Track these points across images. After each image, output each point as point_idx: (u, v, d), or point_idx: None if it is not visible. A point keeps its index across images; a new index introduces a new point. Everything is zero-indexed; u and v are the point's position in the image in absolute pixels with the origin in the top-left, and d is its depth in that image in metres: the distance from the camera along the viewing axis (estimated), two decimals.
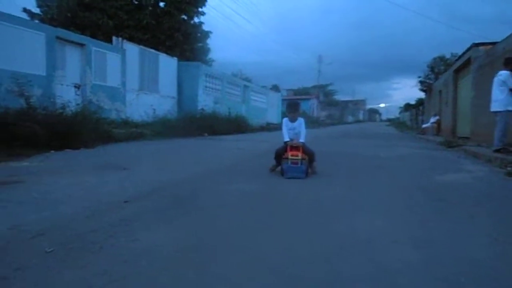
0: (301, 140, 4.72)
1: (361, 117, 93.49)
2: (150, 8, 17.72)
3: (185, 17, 19.54)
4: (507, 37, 10.42)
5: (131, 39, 15.11)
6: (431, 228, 2.53)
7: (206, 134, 13.07)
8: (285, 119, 4.94)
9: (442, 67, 28.40)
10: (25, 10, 17.22)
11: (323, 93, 58.79)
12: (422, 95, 31.92)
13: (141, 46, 14.25)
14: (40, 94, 8.85)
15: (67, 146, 6.79)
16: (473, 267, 1.86)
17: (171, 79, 15.78)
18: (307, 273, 1.76)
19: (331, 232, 2.41)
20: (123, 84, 12.70)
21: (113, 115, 11.95)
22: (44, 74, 9.63)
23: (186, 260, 1.87)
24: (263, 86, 29.42)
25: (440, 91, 21.05)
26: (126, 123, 11.73)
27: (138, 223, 2.48)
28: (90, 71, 11.27)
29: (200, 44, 20.95)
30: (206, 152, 7.76)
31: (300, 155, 4.46)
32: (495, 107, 7.54)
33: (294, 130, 4.84)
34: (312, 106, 45.52)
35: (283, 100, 30.83)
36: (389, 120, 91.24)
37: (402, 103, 62.20)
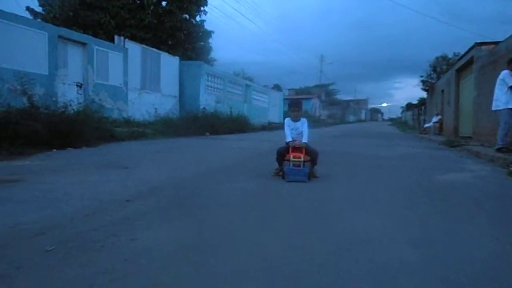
0: (304, 140, 4.43)
1: (363, 116, 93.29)
2: (152, 7, 17.73)
3: (187, 16, 19.55)
4: (510, 37, 10.38)
5: (133, 38, 15.13)
6: (431, 228, 2.52)
7: (207, 134, 13.07)
8: (287, 119, 4.69)
9: (445, 67, 28.34)
10: (28, 8, 17.28)
11: (325, 92, 58.74)
12: (424, 94, 31.86)
13: (143, 45, 14.27)
14: (42, 93, 8.88)
15: (69, 145, 6.81)
16: (473, 267, 1.86)
17: (173, 78, 15.79)
18: (306, 272, 1.76)
19: (331, 232, 2.41)
20: (125, 83, 12.72)
21: (115, 114, 11.98)
22: (47, 73, 9.66)
23: (186, 259, 1.88)
24: (264, 86, 29.41)
25: (442, 91, 20.99)
26: (128, 122, 11.75)
27: (139, 222, 2.48)
28: (92, 70, 11.29)
29: (202, 43, 20.96)
30: (207, 152, 7.76)
31: (302, 157, 4.24)
32: (495, 106, 7.59)
33: (297, 131, 4.59)
34: (314, 105, 45.49)
35: (284, 99, 30.81)
36: (391, 119, 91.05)
37: (404, 103, 62.19)
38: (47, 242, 2.04)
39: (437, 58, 31.45)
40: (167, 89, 15.39)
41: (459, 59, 17.57)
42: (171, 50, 17.15)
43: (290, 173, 4.16)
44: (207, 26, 20.79)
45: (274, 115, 26.83)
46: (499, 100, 7.46)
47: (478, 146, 8.83)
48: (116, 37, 13.10)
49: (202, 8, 19.95)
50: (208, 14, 22.01)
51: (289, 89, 54.51)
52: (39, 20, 15.30)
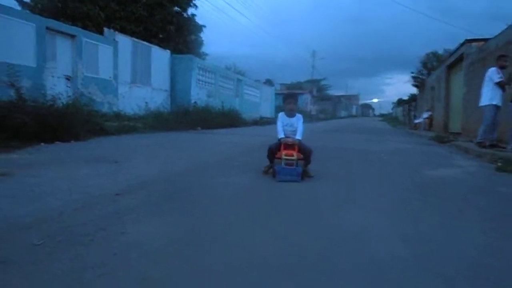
0: (298, 137, 4.12)
1: (354, 112, 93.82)
2: None
3: (178, 9, 19.35)
4: (499, 34, 10.50)
5: (123, 31, 14.93)
6: (421, 223, 2.55)
7: (199, 128, 13.01)
8: (281, 114, 4.33)
9: (435, 63, 28.60)
10: None
11: (317, 88, 58.83)
12: (415, 90, 32.16)
13: (134, 38, 14.09)
14: (30, 85, 8.71)
15: (57, 139, 6.70)
16: (462, 261, 1.88)
17: (163, 72, 15.65)
18: (298, 266, 1.76)
19: (322, 227, 2.42)
20: (115, 76, 12.56)
21: (105, 108, 11.84)
22: (34, 65, 9.49)
23: (177, 254, 1.86)
24: (256, 80, 29.34)
25: (432, 87, 21.19)
26: (118, 116, 11.62)
27: (129, 216, 2.46)
28: (81, 63, 11.12)
29: (193, 37, 20.78)
30: (199, 146, 7.73)
31: (295, 155, 3.95)
32: (481, 102, 7.73)
33: (291, 127, 4.23)
34: (305, 101, 45.54)
35: (276, 94, 30.80)
36: (382, 115, 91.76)
37: (395, 99, 62.57)
38: (35, 236, 2.00)
39: (427, 54, 31.74)
40: (158, 83, 15.25)
41: (449, 56, 17.73)
42: (162, 44, 16.98)
43: (281, 172, 3.85)
44: (198, 19, 20.65)
45: (266, 110, 26.82)
46: (485, 96, 7.63)
47: (467, 142, 8.95)
48: (105, 29, 12.90)
49: (193, 1, 19.77)
50: (199, 8, 21.83)
51: (280, 84, 54.44)
52: (27, 11, 14.99)
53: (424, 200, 3.28)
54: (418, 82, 29.11)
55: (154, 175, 3.99)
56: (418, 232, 2.34)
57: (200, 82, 17.41)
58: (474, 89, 11.11)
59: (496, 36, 10.78)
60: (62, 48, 10.60)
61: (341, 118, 58.94)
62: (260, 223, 2.44)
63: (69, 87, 10.63)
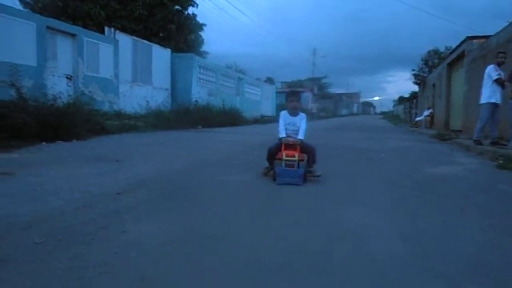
0: (300, 137, 3.90)
1: (355, 110, 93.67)
2: None
3: (179, 8, 19.32)
4: (500, 31, 10.47)
5: (123, 30, 14.92)
6: (421, 220, 2.55)
7: (200, 127, 13.02)
8: (284, 112, 4.09)
9: (436, 61, 28.52)
10: None
11: (318, 86, 58.77)
12: (416, 88, 32.09)
13: (134, 37, 14.09)
14: (31, 85, 8.72)
15: (58, 138, 6.72)
16: (461, 258, 1.88)
17: (164, 71, 15.65)
18: (295, 263, 1.77)
19: (322, 225, 2.42)
20: (116, 75, 12.57)
21: (106, 107, 11.85)
22: (35, 64, 9.50)
23: (176, 252, 1.87)
24: (257, 79, 29.31)
25: (433, 84, 21.15)
26: (119, 115, 11.64)
27: (129, 215, 2.47)
28: (82, 62, 11.13)
29: (193, 36, 20.76)
30: (199, 145, 7.73)
31: (297, 155, 3.71)
32: (481, 100, 7.79)
33: (293, 126, 4.01)
34: (306, 99, 45.49)
35: (277, 92, 30.76)
36: (383, 113, 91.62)
37: (396, 96, 62.63)
38: (36, 235, 2.01)
39: (429, 52, 31.63)
40: (159, 82, 15.25)
41: (450, 53, 17.69)
42: (162, 43, 16.97)
43: (282, 174, 3.60)
44: (199, 18, 20.61)
45: (267, 108, 26.80)
46: (484, 94, 7.65)
47: (468, 140, 8.93)
48: (106, 28, 12.90)
49: (193, 0, 19.73)
50: (199, 6, 21.76)
51: (281, 82, 54.42)
52: (27, 10, 15.00)
53: (424, 197, 3.28)
54: (419, 80, 29.06)
55: (155, 174, 4.00)
56: (418, 229, 2.34)
57: (201, 81, 17.40)
58: (475, 86, 11.09)
59: (497, 33, 10.75)
60: (63, 47, 10.61)
61: (342, 116, 58.88)
62: (259, 222, 2.45)
63: (70, 86, 10.65)
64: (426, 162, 5.78)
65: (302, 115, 4.11)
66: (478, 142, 7.48)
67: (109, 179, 3.64)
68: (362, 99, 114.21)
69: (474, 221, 2.56)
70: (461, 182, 4.08)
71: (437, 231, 2.31)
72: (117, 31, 13.11)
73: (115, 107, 12.33)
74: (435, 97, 20.44)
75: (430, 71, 26.94)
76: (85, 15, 15.79)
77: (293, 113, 4.04)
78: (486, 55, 10.92)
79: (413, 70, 32.19)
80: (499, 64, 7.61)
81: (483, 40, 12.41)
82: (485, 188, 3.82)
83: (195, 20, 20.39)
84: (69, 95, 8.46)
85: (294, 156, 3.68)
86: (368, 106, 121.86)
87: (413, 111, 31.78)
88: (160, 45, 15.97)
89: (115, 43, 12.55)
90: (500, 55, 7.74)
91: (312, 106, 46.78)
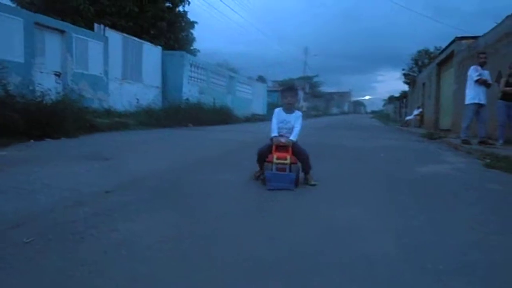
0: (292, 137, 3.59)
1: (346, 109, 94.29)
2: None
3: (170, 5, 19.17)
4: (488, 32, 10.62)
5: (113, 26, 14.73)
6: (410, 218, 2.57)
7: (190, 125, 12.95)
8: (278, 110, 3.81)
9: (426, 60, 28.78)
10: None
11: (309, 84, 58.97)
12: (406, 87, 32.36)
13: (124, 34, 13.94)
14: (18, 81, 8.56)
15: (47, 136, 6.62)
16: (450, 256, 1.91)
17: (155, 69, 15.52)
18: (287, 261, 1.77)
19: (313, 223, 2.43)
20: (106, 72, 12.42)
21: (96, 104, 11.70)
22: (22, 61, 9.32)
23: (167, 251, 1.86)
24: (249, 77, 29.26)
25: (423, 84, 21.38)
26: (109, 112, 11.51)
27: (120, 213, 2.44)
28: (71, 58, 10.97)
29: (184, 34, 20.61)
30: (190, 143, 7.70)
31: (289, 158, 3.43)
32: (465, 100, 7.98)
33: (287, 125, 3.70)
34: (298, 97, 45.61)
35: (268, 91, 30.76)
36: (373, 112, 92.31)
37: (386, 96, 63.10)
38: (24, 234, 1.98)
39: (419, 51, 31.92)
40: (149, 79, 15.12)
41: (440, 53, 17.90)
42: (153, 40, 16.80)
43: (272, 178, 3.36)
44: (190, 16, 20.44)
45: (258, 107, 26.79)
46: (467, 94, 7.83)
47: (457, 139, 9.05)
48: (96, 25, 12.73)
49: None
50: (190, 4, 21.62)
51: (273, 81, 54.42)
52: (15, 5, 14.72)
53: (414, 196, 3.31)
54: (409, 79, 29.30)
55: (145, 172, 3.97)
56: (408, 228, 2.37)
57: (192, 79, 17.31)
58: (464, 86, 11.17)
59: (485, 34, 10.91)
60: (51, 44, 10.44)
61: (333, 115, 59.20)
62: (252, 220, 2.45)
63: (59, 83, 10.49)
64: (416, 161, 5.85)
65: (298, 113, 3.81)
66: (466, 142, 7.60)
67: (99, 177, 3.60)
68: (353, 98, 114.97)
69: (463, 220, 2.60)
70: (450, 181, 4.13)
71: (427, 230, 2.34)
72: (107, 28, 12.94)
73: (105, 105, 12.19)
74: (424, 97, 20.67)
75: (420, 71, 27.21)
76: (74, 11, 15.55)
77: (288, 110, 3.77)
78: (475, 56, 11.08)
79: (403, 69, 32.46)
80: (481, 65, 7.77)
81: (471, 40, 12.59)
82: (473, 187, 3.87)
83: (187, 17, 20.25)
84: (58, 92, 8.36)
85: (285, 159, 3.42)
86: (358, 105, 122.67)
87: (403, 110, 32.10)
88: (151, 42, 15.82)
89: (105, 40, 12.40)
90: (481, 55, 7.93)
91: (302, 104, 46.91)
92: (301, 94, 47.67)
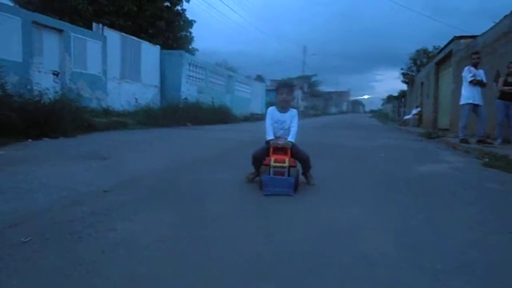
0: (290, 139, 3.33)
1: (344, 108, 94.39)
2: None
3: (168, 4, 19.14)
4: (487, 31, 10.64)
5: (112, 26, 14.70)
6: (409, 217, 2.57)
7: (189, 124, 12.94)
8: (272, 109, 3.50)
9: (425, 60, 28.82)
10: None
11: (308, 84, 58.99)
12: (404, 87, 32.40)
13: (123, 33, 13.91)
14: (16, 81, 8.53)
15: (45, 135, 6.61)
16: (448, 255, 1.90)
17: (153, 68, 15.50)
18: (286, 261, 1.77)
19: (311, 222, 2.43)
20: (104, 72, 12.40)
21: (94, 104, 11.68)
22: (20, 60, 9.30)
23: (165, 250, 1.85)
24: (247, 76, 29.25)
25: (422, 83, 21.40)
26: (107, 112, 11.49)
27: (118, 213, 2.44)
28: (70, 58, 10.95)
29: (183, 33, 20.58)
30: (189, 142, 7.69)
31: (287, 161, 3.18)
32: (460, 100, 8.06)
33: (282, 125, 3.42)
34: (296, 97, 45.62)
35: (267, 90, 30.76)
36: (372, 111, 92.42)
37: (385, 95, 63.14)
38: (22, 233, 1.97)
39: (417, 51, 31.96)
40: (148, 79, 15.10)
41: (438, 52, 17.92)
42: (151, 39, 16.77)
43: (269, 183, 3.10)
44: (189, 15, 20.41)
45: (257, 106, 26.78)
46: (462, 95, 7.90)
47: (455, 138, 9.06)
48: (94, 24, 12.70)
49: None
50: (190, 2, 21.60)
51: (271, 80, 54.39)
52: (13, 4, 14.67)
53: (413, 195, 3.31)
54: (408, 79, 29.34)
55: (143, 171, 3.96)
56: (407, 227, 2.37)
57: (191, 78, 17.29)
58: (462, 85, 11.25)
59: (483, 34, 10.92)
60: (49, 43, 10.41)
61: (332, 114, 59.24)
62: (250, 220, 2.44)
63: (57, 82, 10.47)
64: (414, 160, 5.85)
65: (293, 111, 3.51)
66: (464, 141, 7.62)
67: (97, 176, 3.59)
68: (352, 98, 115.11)
69: (462, 219, 2.60)
70: (449, 180, 4.13)
71: (426, 229, 2.34)
72: (105, 27, 12.92)
73: (103, 104, 12.17)
74: (423, 96, 20.70)
75: (418, 70, 27.24)
76: (72, 10, 15.52)
77: (283, 108, 3.46)
78: (468, 56, 11.11)
79: (402, 69, 32.48)
80: (474, 65, 7.81)
81: (470, 40, 12.60)
82: (472, 186, 3.88)
83: (185, 16, 20.22)
84: (56, 92, 8.33)
85: (284, 162, 3.17)
86: (357, 104, 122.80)
87: (402, 109, 32.14)
88: (149, 41, 15.80)
89: (103, 39, 12.37)
90: (473, 56, 8.01)
91: (300, 104, 46.93)
92: (299, 93, 47.69)
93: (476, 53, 8.24)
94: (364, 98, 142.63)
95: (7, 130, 5.97)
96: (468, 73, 7.75)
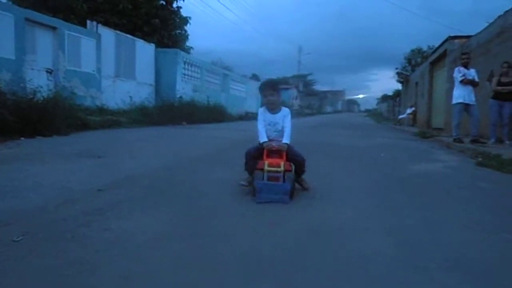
0: (285, 140, 3.09)
1: (339, 107, 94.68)
2: None
3: (163, 3, 19.05)
4: (481, 31, 10.71)
5: (106, 23, 14.61)
6: (403, 216, 2.58)
7: (184, 123, 12.90)
8: (262, 110, 3.26)
9: (419, 59, 28.99)
10: None
11: (303, 83, 59.08)
12: (399, 86, 32.54)
13: (117, 31, 13.82)
14: (9, 78, 8.46)
15: (38, 133, 6.56)
16: (442, 254, 1.91)
17: (148, 66, 15.43)
18: (282, 260, 1.76)
19: (306, 221, 2.43)
20: (98, 70, 12.32)
21: (88, 102, 11.61)
22: (13, 57, 9.21)
23: (160, 249, 1.84)
24: (242, 75, 29.23)
25: (416, 83, 21.51)
26: (101, 110, 11.42)
27: (112, 212, 2.42)
28: (63, 56, 10.86)
29: (178, 31, 20.50)
30: (184, 141, 7.67)
31: (282, 164, 2.94)
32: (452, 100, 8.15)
33: (275, 126, 3.19)
34: (291, 96, 45.67)
35: None
36: (367, 111, 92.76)
37: (380, 94, 63.41)
38: (14, 233, 1.95)
39: (412, 50, 32.15)
40: (143, 77, 15.02)
41: (433, 52, 18.01)
42: (146, 37, 16.69)
43: (264, 189, 2.83)
44: (184, 13, 20.33)
45: (252, 105, 26.78)
46: (454, 95, 7.99)
47: (449, 138, 9.12)
48: (88, 22, 12.61)
49: None
50: (184, 1, 21.51)
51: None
52: (5, 0, 14.51)
53: (408, 194, 3.33)
54: (403, 78, 29.47)
55: (138, 170, 3.94)
56: (402, 226, 2.37)
57: (186, 77, 17.23)
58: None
59: (477, 34, 11.00)
60: (43, 41, 10.32)
61: (327, 113, 59.38)
62: (245, 219, 2.44)
63: (51, 80, 10.38)
64: (409, 160, 5.88)
65: (285, 110, 3.27)
66: (458, 140, 7.69)
67: (91, 175, 3.57)
68: (347, 97, 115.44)
69: (456, 218, 2.61)
70: (443, 180, 4.16)
71: (420, 228, 2.35)
72: (100, 25, 12.83)
73: (98, 102, 12.09)
74: (417, 96, 20.80)
75: (413, 70, 27.39)
76: (66, 7, 15.39)
77: (273, 109, 3.22)
78: (458, 57, 11.19)
79: (397, 68, 32.65)
80: (464, 65, 7.89)
81: (464, 40, 12.68)
82: (466, 185, 3.90)
83: (180, 15, 20.13)
84: (50, 90, 8.26)
85: (279, 166, 2.91)
86: (352, 103, 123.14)
87: (397, 109, 32.27)
88: (144, 39, 15.72)
89: (98, 37, 12.29)
90: (463, 56, 8.11)
91: (294, 102, 46.96)
92: (295, 92, 47.73)
93: (466, 53, 8.36)
94: (359, 98, 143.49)
95: (0, 128, 5.92)
96: (457, 73, 7.86)
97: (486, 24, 10.36)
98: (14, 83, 7.79)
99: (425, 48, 30.43)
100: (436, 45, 17.28)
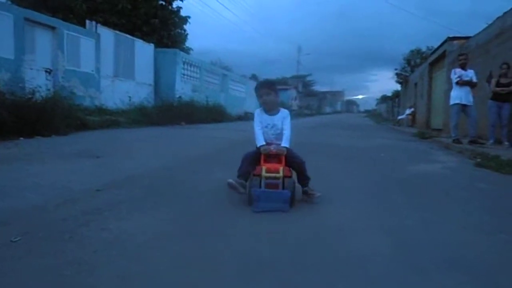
0: (284, 144, 2.83)
1: (339, 108, 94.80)
2: None
3: (163, 3, 19.05)
4: (480, 32, 10.73)
5: (105, 23, 14.60)
6: (402, 217, 2.58)
7: (183, 123, 12.90)
8: (258, 111, 3.01)
9: (418, 60, 29.02)
10: None
11: (302, 83, 59.12)
12: (398, 87, 32.59)
13: (116, 31, 13.82)
14: (7, 78, 8.46)
15: (37, 133, 6.55)
16: (440, 254, 1.91)
17: (147, 66, 15.43)
18: (281, 260, 1.76)
19: (305, 221, 2.43)
20: (97, 70, 12.32)
21: (87, 102, 11.60)
22: (12, 57, 9.21)
23: (159, 250, 1.84)
24: (242, 75, 29.25)
25: (415, 84, 21.54)
26: (100, 110, 11.41)
27: (111, 212, 2.42)
28: (62, 55, 10.86)
29: (178, 31, 20.50)
30: (183, 141, 7.66)
31: (281, 169, 2.68)
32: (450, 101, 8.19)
33: (273, 129, 2.93)
34: (291, 96, 45.68)
35: None
36: (366, 111, 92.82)
37: (379, 95, 63.44)
38: (13, 233, 1.95)
39: (411, 51, 32.18)
40: (142, 77, 15.02)
41: (432, 53, 18.03)
42: (145, 37, 16.70)
43: (261, 197, 2.58)
44: (183, 13, 20.33)
45: (251, 105, 26.75)
46: (451, 96, 8.03)
47: (448, 138, 9.13)
48: (87, 21, 12.60)
49: None
50: (183, 1, 21.52)
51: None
52: (4, 0, 14.50)
53: (406, 195, 3.33)
54: (402, 79, 29.51)
55: (137, 170, 3.94)
56: (399, 225, 2.38)
57: (185, 77, 17.24)
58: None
59: (476, 35, 11.02)
60: (42, 40, 10.31)
61: (326, 114, 59.41)
62: (244, 219, 2.43)
63: (50, 80, 10.37)
64: (408, 160, 5.88)
65: (284, 111, 3.02)
66: (457, 141, 7.69)
67: (90, 175, 3.56)
68: (346, 97, 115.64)
69: (455, 219, 2.61)
70: (442, 180, 4.16)
71: (419, 228, 2.35)
72: (99, 25, 12.83)
73: (97, 102, 12.09)
74: (417, 96, 20.83)
75: (412, 71, 27.42)
76: (65, 7, 15.38)
77: (270, 110, 2.97)
78: (455, 58, 11.22)
79: (396, 69, 32.68)
80: (462, 66, 7.90)
81: (463, 41, 12.70)
82: (464, 186, 3.91)
83: (179, 14, 20.13)
84: (49, 89, 8.25)
85: (277, 172, 2.67)
86: (351, 104, 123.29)
87: (396, 109, 32.31)
88: (143, 39, 15.72)
89: (97, 37, 12.29)
90: (460, 57, 8.14)
91: (293, 103, 46.97)
92: (294, 93, 47.73)
93: (463, 54, 8.39)
94: (358, 98, 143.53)
95: None
96: (453, 74, 7.89)
97: (485, 25, 10.38)
98: (13, 83, 7.78)
99: (424, 49, 30.47)
100: (435, 46, 17.32)
